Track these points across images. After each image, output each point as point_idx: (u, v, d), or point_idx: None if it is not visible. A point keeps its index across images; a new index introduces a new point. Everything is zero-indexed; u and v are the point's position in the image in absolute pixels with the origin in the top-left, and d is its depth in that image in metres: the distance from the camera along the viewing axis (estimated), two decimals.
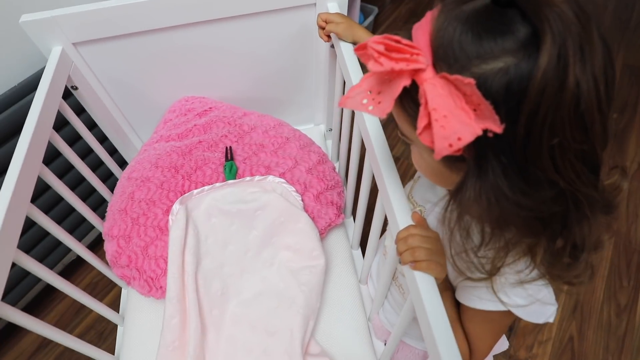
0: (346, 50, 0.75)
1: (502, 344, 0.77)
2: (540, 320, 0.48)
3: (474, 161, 0.35)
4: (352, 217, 0.92)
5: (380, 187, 0.58)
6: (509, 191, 0.35)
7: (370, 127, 0.61)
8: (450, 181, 0.41)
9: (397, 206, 0.53)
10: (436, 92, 0.32)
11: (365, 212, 0.77)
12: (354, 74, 0.71)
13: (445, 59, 0.34)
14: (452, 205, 0.40)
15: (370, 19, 2.22)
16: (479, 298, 0.50)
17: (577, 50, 0.31)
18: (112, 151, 0.96)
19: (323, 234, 0.83)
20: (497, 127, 0.31)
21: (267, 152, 0.84)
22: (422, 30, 0.36)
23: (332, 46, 0.84)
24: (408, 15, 2.47)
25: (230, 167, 0.82)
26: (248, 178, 0.80)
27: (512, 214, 0.36)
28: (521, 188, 0.35)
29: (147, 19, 0.82)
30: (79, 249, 0.73)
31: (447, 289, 0.57)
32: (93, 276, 1.38)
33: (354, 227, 0.84)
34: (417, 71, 0.34)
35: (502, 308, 0.47)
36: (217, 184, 0.79)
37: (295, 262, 0.77)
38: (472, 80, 0.31)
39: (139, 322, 0.78)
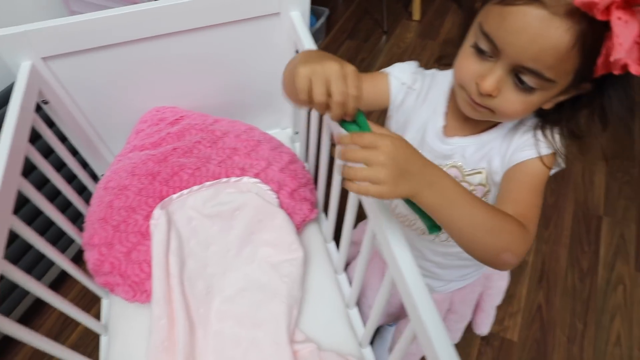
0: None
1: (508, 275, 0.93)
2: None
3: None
4: (324, 213, 0.97)
5: None
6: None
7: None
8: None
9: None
10: None
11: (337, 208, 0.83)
12: None
13: None
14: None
15: (322, 20, 2.25)
16: (528, 149, 0.57)
17: None
18: (83, 165, 0.98)
19: (299, 228, 0.88)
20: None
21: (240, 154, 0.88)
22: None
23: (297, 51, 0.89)
24: (361, 13, 2.51)
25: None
26: (224, 180, 0.84)
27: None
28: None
29: (115, 32, 0.84)
30: (59, 259, 0.75)
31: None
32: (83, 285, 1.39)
33: (327, 222, 0.89)
34: None
35: (545, 152, 0.57)
36: (195, 187, 0.83)
37: (275, 256, 0.81)
38: None
39: (123, 330, 0.80)
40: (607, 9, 0.40)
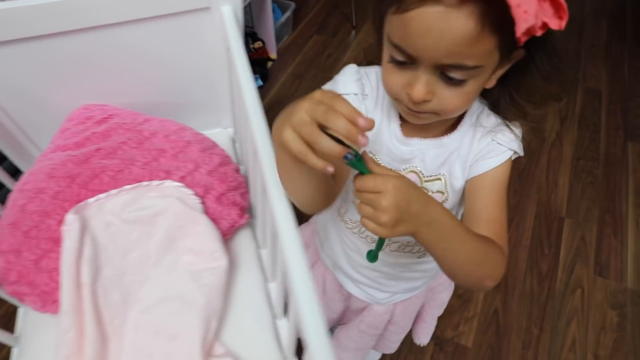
0: (239, 56, 0.75)
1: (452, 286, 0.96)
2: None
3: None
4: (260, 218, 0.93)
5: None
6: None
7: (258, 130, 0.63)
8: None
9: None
10: None
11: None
12: (246, 81, 0.71)
13: None
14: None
15: (288, 14, 2.20)
16: (491, 158, 0.59)
17: None
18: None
19: (228, 235, 0.83)
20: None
21: (167, 156, 0.84)
22: None
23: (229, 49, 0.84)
24: (331, 7, 2.46)
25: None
26: (145, 183, 0.79)
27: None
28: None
29: (39, 23, 0.79)
30: None
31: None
32: None
33: (260, 227, 0.85)
34: None
35: (507, 156, 0.59)
36: (113, 192, 0.78)
37: (196, 264, 0.77)
38: None
39: (35, 342, 0.76)
40: None
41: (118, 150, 0.84)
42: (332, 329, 1.29)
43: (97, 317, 0.71)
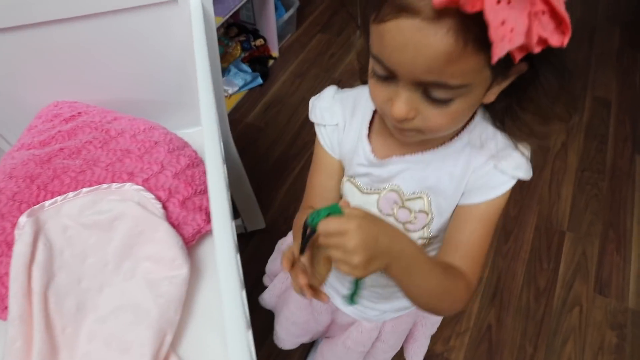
0: (199, 54, 0.71)
1: None
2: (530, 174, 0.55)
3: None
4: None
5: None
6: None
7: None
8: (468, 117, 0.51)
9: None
10: None
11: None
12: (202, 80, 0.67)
13: None
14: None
15: (291, 12, 2.16)
16: (490, 188, 0.55)
17: None
18: None
19: (192, 241, 0.79)
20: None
21: (132, 157, 0.80)
22: None
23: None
24: (337, 6, 2.42)
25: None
26: (105, 186, 0.76)
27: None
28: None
29: (3, 16, 0.76)
30: None
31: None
32: None
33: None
34: None
35: (508, 186, 0.54)
36: (71, 194, 0.75)
37: (155, 273, 0.73)
38: None
39: None
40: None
41: (82, 150, 0.81)
42: (315, 342, 1.24)
43: (47, 326, 0.68)
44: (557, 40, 0.35)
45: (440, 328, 1.32)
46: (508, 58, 0.37)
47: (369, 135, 0.60)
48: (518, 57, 0.37)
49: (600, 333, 1.31)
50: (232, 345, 0.45)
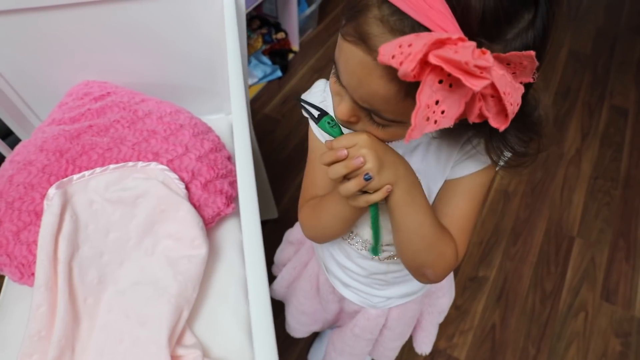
0: (231, 44, 0.73)
1: (453, 292, 0.94)
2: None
3: None
4: None
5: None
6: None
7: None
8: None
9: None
10: (497, 73, 0.32)
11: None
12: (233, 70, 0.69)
13: (486, 33, 0.36)
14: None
15: (314, 7, 2.17)
16: (475, 162, 0.55)
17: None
18: (7, 133, 0.93)
19: (212, 223, 0.82)
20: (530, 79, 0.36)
21: (158, 138, 0.83)
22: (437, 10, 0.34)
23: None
24: None
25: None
26: (131, 163, 0.78)
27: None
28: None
29: None
30: None
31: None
32: None
33: None
34: None
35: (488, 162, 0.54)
36: (98, 169, 0.77)
37: (175, 251, 0.76)
38: (532, 53, 0.33)
39: (17, 310, 0.76)
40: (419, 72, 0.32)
41: (110, 129, 0.84)
42: (320, 333, 1.27)
43: (70, 295, 0.71)
44: (497, 123, 0.35)
45: (445, 325, 1.35)
46: None
47: None
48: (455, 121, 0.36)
49: (605, 340, 1.32)
50: (256, 323, 0.47)
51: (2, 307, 0.79)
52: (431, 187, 0.60)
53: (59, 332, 0.68)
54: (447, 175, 0.58)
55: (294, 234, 0.97)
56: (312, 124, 0.66)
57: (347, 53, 0.40)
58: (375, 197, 0.47)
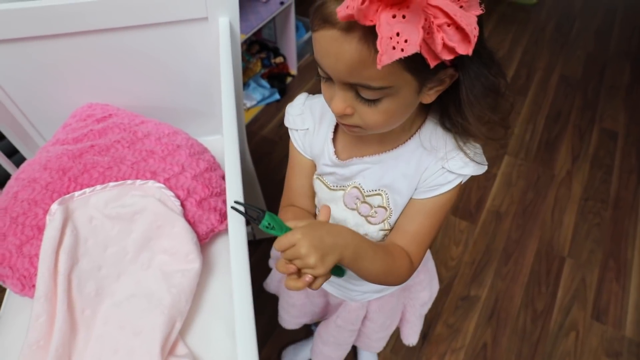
0: (225, 68, 0.78)
1: (434, 285, 1.00)
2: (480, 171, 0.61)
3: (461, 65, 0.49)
4: None
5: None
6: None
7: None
8: (407, 115, 0.55)
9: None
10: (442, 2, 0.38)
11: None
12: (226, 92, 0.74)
13: None
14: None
15: (311, 33, 2.25)
16: (439, 185, 0.61)
17: None
18: (13, 152, 0.98)
19: (206, 239, 0.86)
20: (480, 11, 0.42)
21: (156, 158, 0.87)
22: None
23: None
24: None
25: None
26: (130, 181, 0.83)
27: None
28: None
29: (49, 23, 0.85)
30: None
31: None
32: None
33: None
34: None
35: (455, 184, 0.61)
36: (99, 187, 0.82)
37: (170, 265, 0.79)
38: None
39: (17, 321, 0.80)
40: (374, 13, 0.39)
41: (111, 148, 0.88)
42: (316, 324, 1.29)
43: (68, 306, 0.74)
44: (463, 49, 0.40)
45: (436, 343, 1.37)
46: (423, 64, 0.43)
47: (333, 138, 0.67)
48: (433, 63, 0.42)
49: (596, 359, 1.33)
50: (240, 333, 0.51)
51: (2, 318, 0.83)
52: (397, 201, 0.65)
53: (56, 341, 0.71)
54: (414, 195, 0.64)
55: None
56: (292, 135, 0.72)
57: (319, 40, 0.47)
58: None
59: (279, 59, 2.21)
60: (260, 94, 2.09)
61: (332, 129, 0.67)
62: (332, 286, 0.87)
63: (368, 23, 0.39)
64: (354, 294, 0.86)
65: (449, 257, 1.56)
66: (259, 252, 1.54)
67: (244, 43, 2.11)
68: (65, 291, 0.74)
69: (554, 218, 1.68)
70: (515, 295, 1.48)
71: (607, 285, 1.50)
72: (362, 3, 0.37)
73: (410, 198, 0.64)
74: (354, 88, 0.50)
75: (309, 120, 0.69)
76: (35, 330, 0.72)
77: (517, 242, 1.61)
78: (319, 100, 0.70)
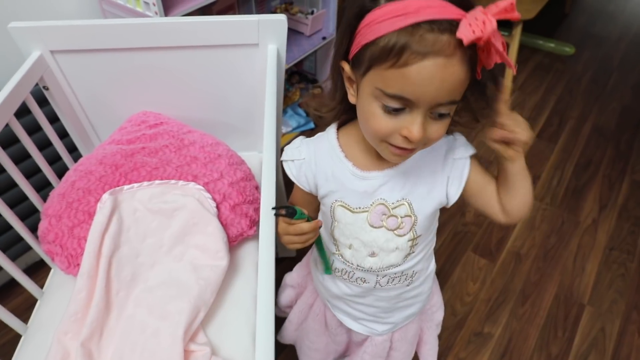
0: (269, 91, 0.87)
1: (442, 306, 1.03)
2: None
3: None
4: None
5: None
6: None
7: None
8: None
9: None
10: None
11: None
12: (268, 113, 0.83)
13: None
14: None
15: None
16: (459, 176, 0.70)
17: None
18: (72, 148, 1.09)
19: (235, 242, 0.93)
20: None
21: (198, 164, 0.96)
22: None
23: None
24: None
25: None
26: (173, 181, 0.92)
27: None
28: None
29: (116, 39, 0.97)
30: (19, 226, 0.85)
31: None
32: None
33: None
34: None
35: (469, 164, 0.70)
36: (145, 183, 0.91)
37: (200, 259, 0.87)
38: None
39: (57, 297, 0.88)
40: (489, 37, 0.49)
41: (159, 152, 0.98)
42: None
43: (106, 286, 0.82)
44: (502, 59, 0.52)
45: None
46: (474, 74, 0.55)
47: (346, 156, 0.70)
48: (486, 71, 0.55)
49: None
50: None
51: (45, 293, 0.92)
52: (421, 205, 0.71)
53: (92, 316, 0.79)
54: (458, 191, 0.71)
55: (294, 277, 1.03)
56: (286, 167, 0.79)
57: (420, 71, 0.51)
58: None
59: (317, 91, 2.33)
60: (296, 121, 2.20)
61: (337, 149, 0.71)
62: (360, 324, 0.89)
63: (483, 42, 0.49)
64: (382, 328, 0.88)
65: (465, 293, 1.58)
66: (278, 271, 1.59)
67: (285, 72, 2.24)
68: (105, 272, 0.83)
69: (575, 265, 1.67)
70: (530, 337, 1.47)
71: (628, 338, 1.47)
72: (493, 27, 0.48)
73: (461, 192, 0.70)
74: (430, 109, 0.55)
75: (304, 152, 0.75)
76: (75, 303, 0.80)
77: (535, 284, 1.61)
78: (312, 140, 0.76)
